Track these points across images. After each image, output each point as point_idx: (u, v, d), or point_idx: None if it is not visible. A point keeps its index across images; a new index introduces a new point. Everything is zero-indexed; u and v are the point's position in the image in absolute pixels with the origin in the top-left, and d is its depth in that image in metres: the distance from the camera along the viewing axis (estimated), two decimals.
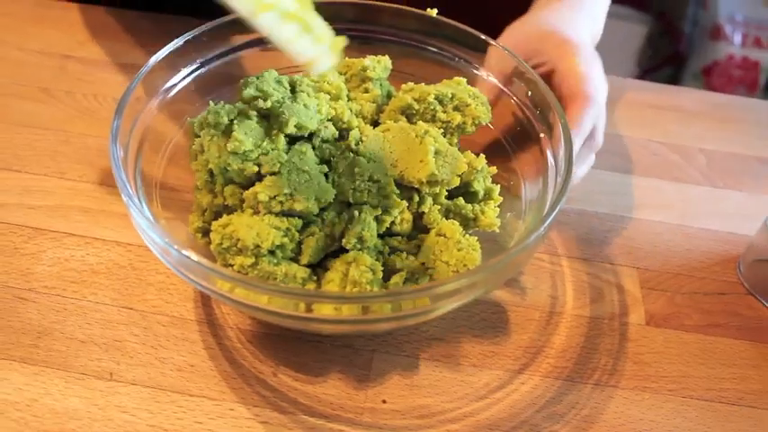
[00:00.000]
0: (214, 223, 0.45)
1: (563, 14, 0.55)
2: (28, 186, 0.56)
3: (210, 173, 0.46)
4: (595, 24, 0.58)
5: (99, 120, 0.61)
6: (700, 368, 0.49)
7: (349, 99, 0.52)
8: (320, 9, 0.54)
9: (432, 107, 0.51)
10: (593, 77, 0.50)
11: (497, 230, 0.48)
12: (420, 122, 0.49)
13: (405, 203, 0.47)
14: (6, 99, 0.63)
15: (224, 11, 0.42)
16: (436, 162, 0.47)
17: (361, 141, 0.48)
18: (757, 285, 0.54)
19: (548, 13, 0.56)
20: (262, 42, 0.54)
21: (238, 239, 0.43)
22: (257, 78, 0.50)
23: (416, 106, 0.51)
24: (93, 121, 0.61)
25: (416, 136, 0.48)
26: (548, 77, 0.52)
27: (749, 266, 0.55)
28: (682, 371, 0.49)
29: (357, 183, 0.46)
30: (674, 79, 1.55)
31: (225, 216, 0.45)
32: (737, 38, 1.49)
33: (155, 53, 0.49)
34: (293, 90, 0.50)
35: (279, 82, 0.50)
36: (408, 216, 0.47)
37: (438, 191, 0.48)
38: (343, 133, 0.50)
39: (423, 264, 0.46)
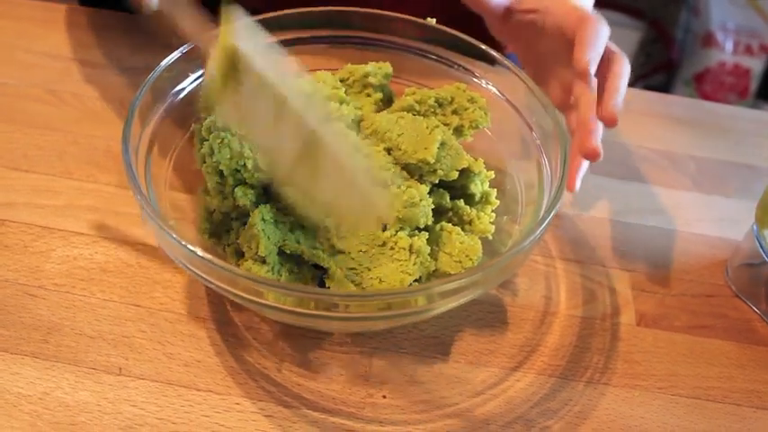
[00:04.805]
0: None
1: None
2: (36, 186, 0.57)
3: (221, 174, 0.47)
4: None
5: (106, 121, 0.63)
6: (688, 367, 0.51)
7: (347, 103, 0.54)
8: (325, 16, 0.56)
9: (432, 109, 0.52)
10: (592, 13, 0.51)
11: (490, 237, 0.50)
12: (431, 118, 0.51)
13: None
14: (14, 100, 0.64)
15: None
16: (439, 152, 0.48)
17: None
18: (744, 288, 0.56)
19: None
20: None
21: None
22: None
23: (417, 107, 0.53)
24: (99, 123, 0.62)
25: (427, 127, 0.50)
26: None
27: (736, 270, 0.56)
28: (670, 370, 0.50)
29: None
30: (667, 86, 1.57)
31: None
32: (729, 45, 1.51)
33: (160, 57, 0.50)
34: None
35: None
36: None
37: (437, 182, 0.49)
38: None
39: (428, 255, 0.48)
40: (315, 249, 0.46)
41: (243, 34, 0.37)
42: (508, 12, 0.55)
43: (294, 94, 0.38)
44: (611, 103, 0.49)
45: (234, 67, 0.37)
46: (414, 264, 0.46)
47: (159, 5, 0.39)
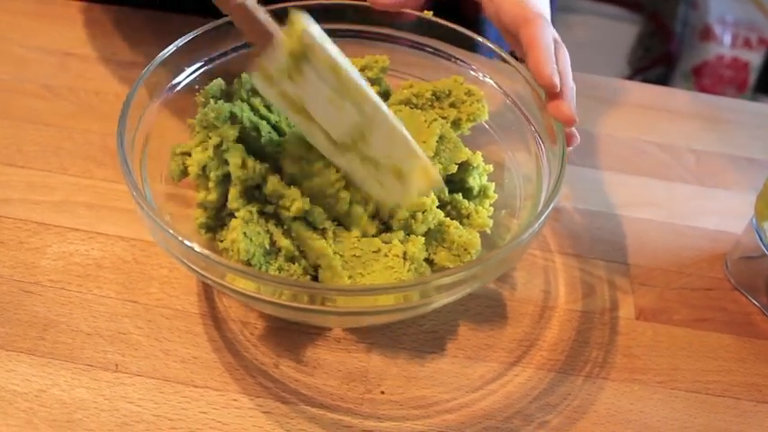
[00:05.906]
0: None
1: None
2: (32, 182, 0.57)
3: (203, 168, 0.47)
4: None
5: (101, 116, 0.62)
6: (687, 361, 0.51)
7: None
8: (321, 9, 0.56)
9: (429, 103, 0.52)
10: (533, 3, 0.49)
11: (488, 231, 0.50)
12: (429, 111, 0.51)
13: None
14: (9, 95, 0.63)
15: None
16: (438, 145, 0.48)
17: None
18: (743, 282, 0.55)
19: None
20: None
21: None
22: (251, 75, 0.51)
23: (415, 101, 0.52)
24: (95, 118, 0.62)
25: (425, 120, 0.49)
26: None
27: (735, 263, 0.56)
28: (670, 363, 0.50)
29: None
30: (665, 79, 1.57)
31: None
32: (727, 38, 1.50)
33: (155, 51, 0.50)
34: None
35: None
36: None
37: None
38: None
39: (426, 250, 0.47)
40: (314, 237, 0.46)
41: (311, 24, 0.42)
42: None
43: (357, 73, 0.43)
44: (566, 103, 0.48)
45: (301, 49, 0.42)
46: (408, 270, 0.45)
47: None
